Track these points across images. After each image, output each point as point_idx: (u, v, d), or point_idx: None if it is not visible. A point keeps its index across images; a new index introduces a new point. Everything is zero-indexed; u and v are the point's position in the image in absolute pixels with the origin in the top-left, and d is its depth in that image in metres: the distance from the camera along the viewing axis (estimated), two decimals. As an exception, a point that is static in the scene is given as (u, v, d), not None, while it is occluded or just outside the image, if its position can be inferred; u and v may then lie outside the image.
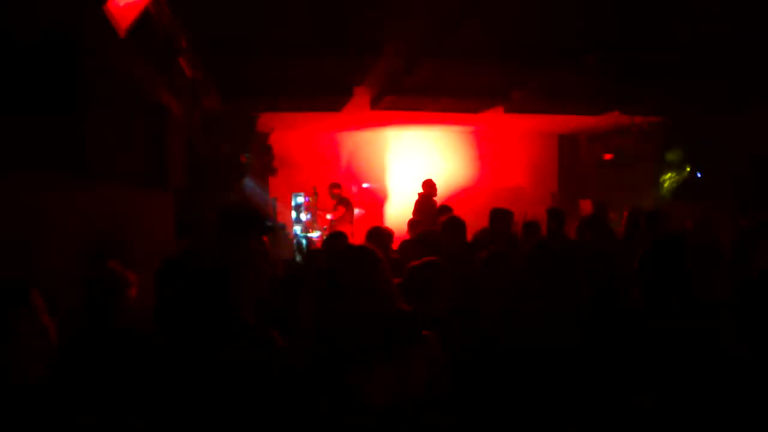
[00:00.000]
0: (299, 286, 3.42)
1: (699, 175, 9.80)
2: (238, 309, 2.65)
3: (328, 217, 11.13)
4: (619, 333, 2.78)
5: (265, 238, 3.62)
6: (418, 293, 3.25)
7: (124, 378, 2.36)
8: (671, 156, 10.43)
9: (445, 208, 7.90)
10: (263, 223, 3.76)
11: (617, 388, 2.59)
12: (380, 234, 5.98)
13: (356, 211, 11.42)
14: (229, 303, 2.61)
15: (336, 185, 11.26)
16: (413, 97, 8.70)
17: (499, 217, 6.26)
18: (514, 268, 3.71)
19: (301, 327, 3.11)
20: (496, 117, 10.34)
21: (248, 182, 9.09)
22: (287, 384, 2.45)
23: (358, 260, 2.64)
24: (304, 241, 11.10)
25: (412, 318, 2.61)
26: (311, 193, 11.70)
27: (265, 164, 10.72)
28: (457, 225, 5.40)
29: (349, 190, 11.56)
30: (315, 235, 11.33)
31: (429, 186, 9.93)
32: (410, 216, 8.44)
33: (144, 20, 3.84)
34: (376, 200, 13.06)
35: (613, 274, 3.94)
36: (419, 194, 9.92)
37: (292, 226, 11.61)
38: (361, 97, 8.76)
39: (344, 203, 11.07)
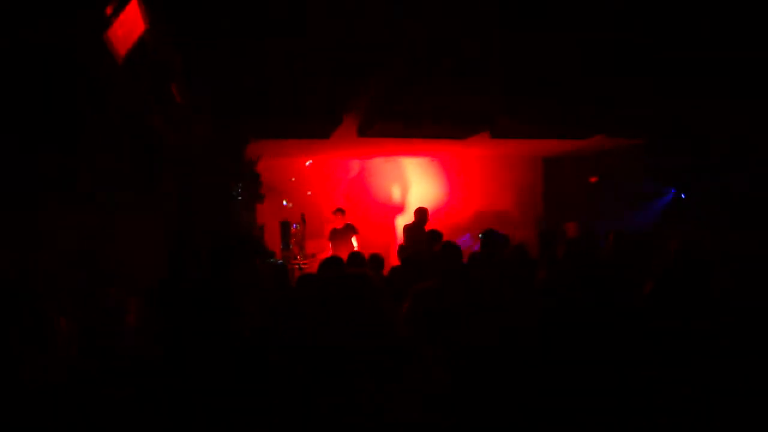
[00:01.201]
0: (290, 309, 3.45)
1: (683, 196, 9.94)
2: (233, 330, 2.68)
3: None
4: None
5: (258, 264, 3.65)
6: (425, 316, 3.28)
7: (125, 397, 2.37)
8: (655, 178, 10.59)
9: (435, 234, 7.98)
10: (255, 250, 3.80)
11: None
12: (377, 260, 6.08)
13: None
14: (225, 325, 2.63)
15: (340, 210, 11.29)
16: (399, 123, 8.78)
17: (491, 240, 6.42)
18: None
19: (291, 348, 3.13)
20: (482, 142, 10.47)
21: (237, 209, 9.11)
22: (279, 406, 2.46)
23: (360, 287, 2.66)
24: (293, 268, 11.11)
25: (409, 344, 2.63)
26: (299, 220, 11.73)
27: (253, 192, 10.74)
28: (452, 250, 5.52)
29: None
30: (304, 262, 11.34)
31: (421, 213, 10.02)
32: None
33: (139, 47, 3.89)
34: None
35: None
36: (410, 222, 10.02)
37: (281, 253, 11.61)
38: (349, 124, 8.85)
39: (351, 228, 11.13)
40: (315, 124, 8.61)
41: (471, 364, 2.90)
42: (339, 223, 11.12)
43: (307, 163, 12.89)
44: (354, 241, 10.96)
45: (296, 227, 11.72)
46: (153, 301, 2.62)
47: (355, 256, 6.06)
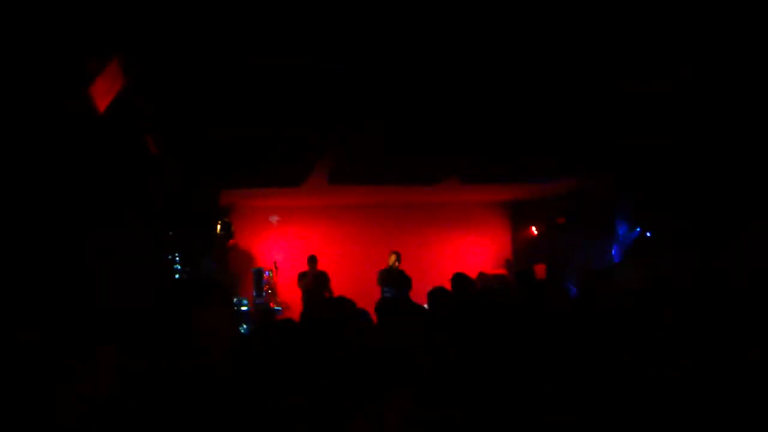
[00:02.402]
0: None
1: (648, 234, 10.18)
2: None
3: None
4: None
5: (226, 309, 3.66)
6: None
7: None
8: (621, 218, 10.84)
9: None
10: (226, 295, 3.80)
11: None
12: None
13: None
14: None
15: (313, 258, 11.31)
16: (367, 170, 8.92)
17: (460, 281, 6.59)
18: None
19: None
20: (451, 188, 10.67)
21: (208, 259, 9.14)
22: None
23: None
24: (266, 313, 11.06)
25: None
26: (272, 267, 11.75)
27: (224, 240, 10.79)
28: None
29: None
30: (277, 308, 11.32)
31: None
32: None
33: (118, 102, 4.01)
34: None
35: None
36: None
37: (253, 299, 11.58)
38: (320, 172, 8.98)
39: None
40: (285, 172, 8.73)
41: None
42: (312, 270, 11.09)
43: (273, 219, 12.80)
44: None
45: (269, 274, 11.73)
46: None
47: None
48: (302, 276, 11.00)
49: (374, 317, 5.92)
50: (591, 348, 3.50)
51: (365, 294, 7.46)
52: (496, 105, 6.53)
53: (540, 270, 12.37)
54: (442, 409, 3.01)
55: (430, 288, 5.91)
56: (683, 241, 8.73)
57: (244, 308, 11.04)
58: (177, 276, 7.72)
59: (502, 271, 13.29)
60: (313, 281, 10.82)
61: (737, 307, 3.88)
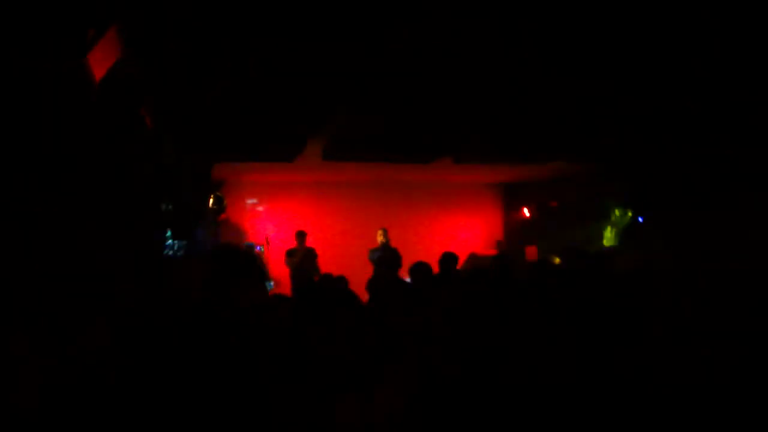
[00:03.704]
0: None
1: (641, 220, 10.22)
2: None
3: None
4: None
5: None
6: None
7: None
8: (613, 203, 10.86)
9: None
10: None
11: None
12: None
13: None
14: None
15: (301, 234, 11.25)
16: (361, 147, 8.90)
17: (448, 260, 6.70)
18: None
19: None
20: (444, 168, 10.67)
21: (202, 231, 9.11)
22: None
23: None
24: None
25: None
26: (263, 243, 11.72)
27: (215, 214, 10.74)
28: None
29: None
30: (269, 285, 11.29)
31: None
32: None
33: (114, 72, 3.98)
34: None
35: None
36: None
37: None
38: (313, 148, 8.95)
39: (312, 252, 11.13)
40: (279, 147, 8.68)
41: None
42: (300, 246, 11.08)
43: (249, 202, 12.78)
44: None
45: (260, 249, 11.71)
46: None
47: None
48: (291, 253, 10.97)
49: (365, 294, 5.96)
50: (579, 330, 3.52)
51: (356, 271, 7.49)
52: (490, 85, 6.53)
53: (531, 252, 12.46)
54: (434, 387, 3.04)
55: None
56: (677, 227, 8.78)
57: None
58: (170, 251, 7.71)
59: (493, 251, 13.35)
60: (301, 260, 10.80)
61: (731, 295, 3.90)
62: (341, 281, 5.61)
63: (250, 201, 12.62)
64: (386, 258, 8.61)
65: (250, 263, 3.11)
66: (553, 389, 2.86)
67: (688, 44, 5.46)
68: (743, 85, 6.27)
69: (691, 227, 8.53)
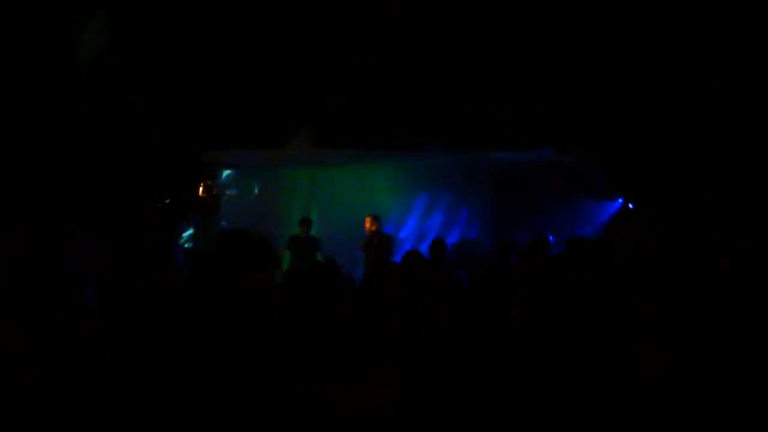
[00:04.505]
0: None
1: (631, 206, 10.24)
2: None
3: None
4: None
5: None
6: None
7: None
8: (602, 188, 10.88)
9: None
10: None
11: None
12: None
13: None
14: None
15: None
16: (351, 133, 8.85)
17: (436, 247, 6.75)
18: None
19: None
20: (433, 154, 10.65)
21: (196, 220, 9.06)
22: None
23: None
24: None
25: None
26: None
27: (206, 202, 10.65)
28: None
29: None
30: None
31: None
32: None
33: (102, 57, 3.93)
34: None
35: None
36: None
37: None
38: (303, 136, 8.90)
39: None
40: (268, 134, 8.63)
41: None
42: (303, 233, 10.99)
43: (229, 192, 12.68)
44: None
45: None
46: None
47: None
48: (294, 240, 10.80)
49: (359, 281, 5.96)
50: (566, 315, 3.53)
51: (346, 259, 7.49)
52: (478, 73, 6.53)
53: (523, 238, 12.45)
54: (425, 375, 3.04)
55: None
56: (666, 214, 8.80)
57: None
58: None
59: (482, 237, 13.36)
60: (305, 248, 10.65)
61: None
62: (331, 263, 5.62)
63: (229, 192, 12.51)
64: (378, 245, 8.60)
65: (260, 247, 3.05)
66: (545, 374, 2.87)
67: (675, 35, 5.46)
68: (732, 76, 6.28)
69: (678, 218, 8.55)
